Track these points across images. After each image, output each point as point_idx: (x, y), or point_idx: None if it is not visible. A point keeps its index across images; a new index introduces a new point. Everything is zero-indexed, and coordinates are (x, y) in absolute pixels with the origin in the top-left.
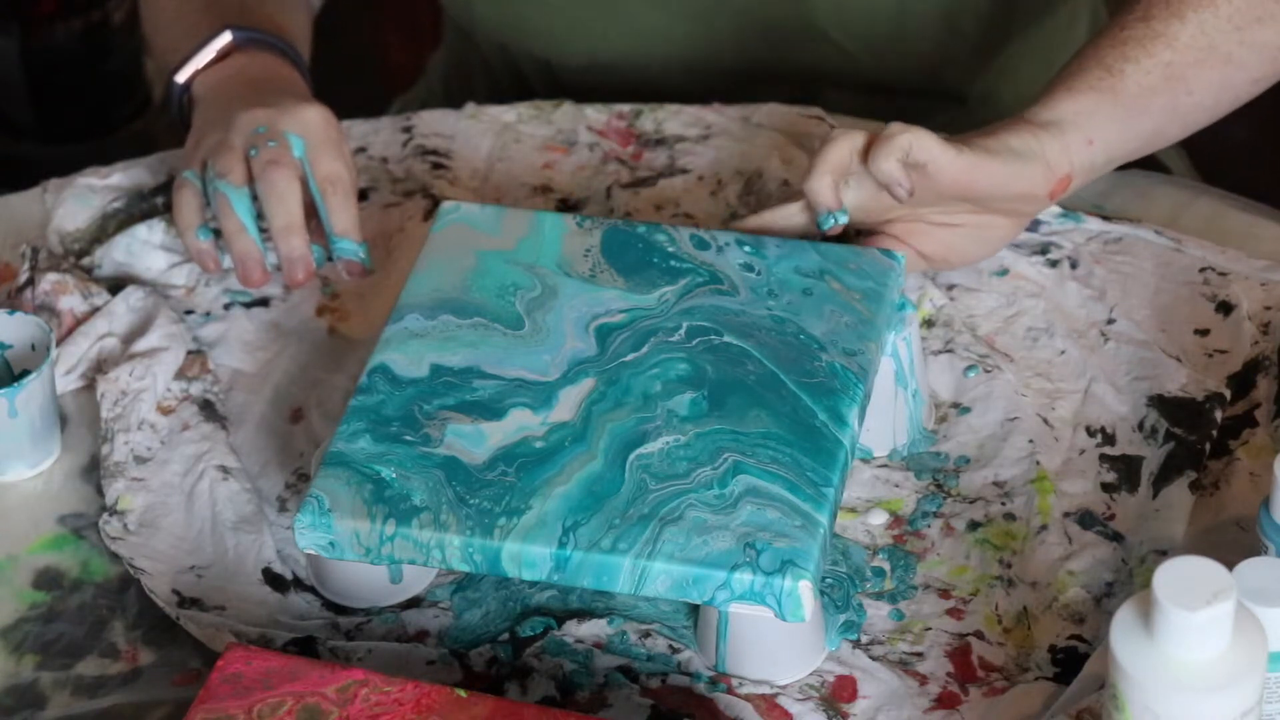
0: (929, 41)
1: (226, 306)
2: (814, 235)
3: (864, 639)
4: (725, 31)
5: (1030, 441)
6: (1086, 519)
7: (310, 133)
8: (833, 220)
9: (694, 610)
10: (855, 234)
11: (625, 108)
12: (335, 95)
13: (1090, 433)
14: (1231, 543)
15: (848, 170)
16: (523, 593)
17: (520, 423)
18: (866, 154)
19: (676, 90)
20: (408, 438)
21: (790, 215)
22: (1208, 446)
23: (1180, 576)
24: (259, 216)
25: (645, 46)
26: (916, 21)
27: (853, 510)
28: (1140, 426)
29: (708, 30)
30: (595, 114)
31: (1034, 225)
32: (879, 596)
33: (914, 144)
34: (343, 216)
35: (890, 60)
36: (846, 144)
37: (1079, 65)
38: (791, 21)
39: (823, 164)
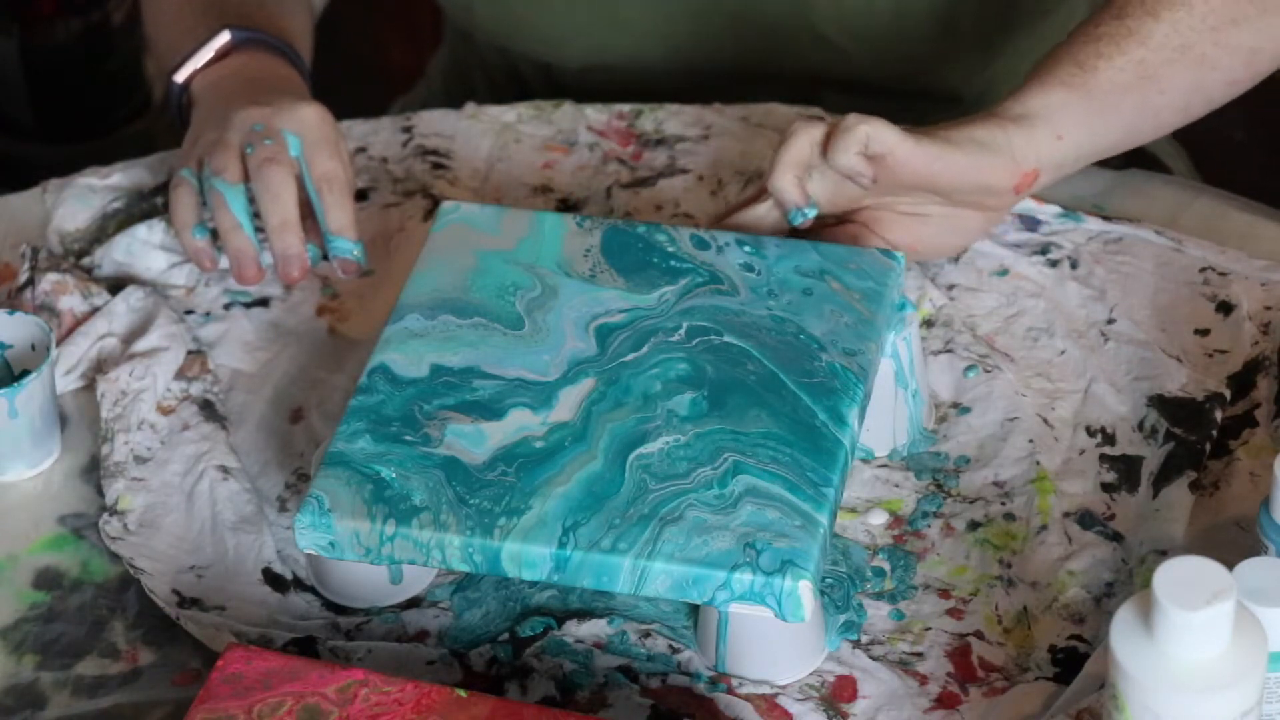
0: (927, 43)
1: (226, 306)
2: (784, 231)
3: (864, 639)
4: (724, 34)
5: (1030, 441)
6: (1086, 519)
7: (307, 131)
8: (802, 216)
9: (694, 610)
10: (824, 224)
11: (625, 108)
12: (335, 96)
13: (1090, 433)
14: (1231, 543)
15: (809, 164)
16: (523, 593)
17: (520, 423)
18: (827, 146)
19: (675, 93)
20: (408, 438)
21: (761, 215)
22: (1208, 446)
23: (1180, 576)
24: (255, 214)
25: (644, 49)
26: (914, 23)
27: (853, 510)
28: (1140, 426)
29: (706, 33)
30: (595, 114)
31: (1034, 225)
32: (879, 596)
33: (872, 135)
34: (338, 215)
35: (888, 62)
36: (806, 138)
37: (1052, 61)
38: (790, 23)
39: (784, 161)
